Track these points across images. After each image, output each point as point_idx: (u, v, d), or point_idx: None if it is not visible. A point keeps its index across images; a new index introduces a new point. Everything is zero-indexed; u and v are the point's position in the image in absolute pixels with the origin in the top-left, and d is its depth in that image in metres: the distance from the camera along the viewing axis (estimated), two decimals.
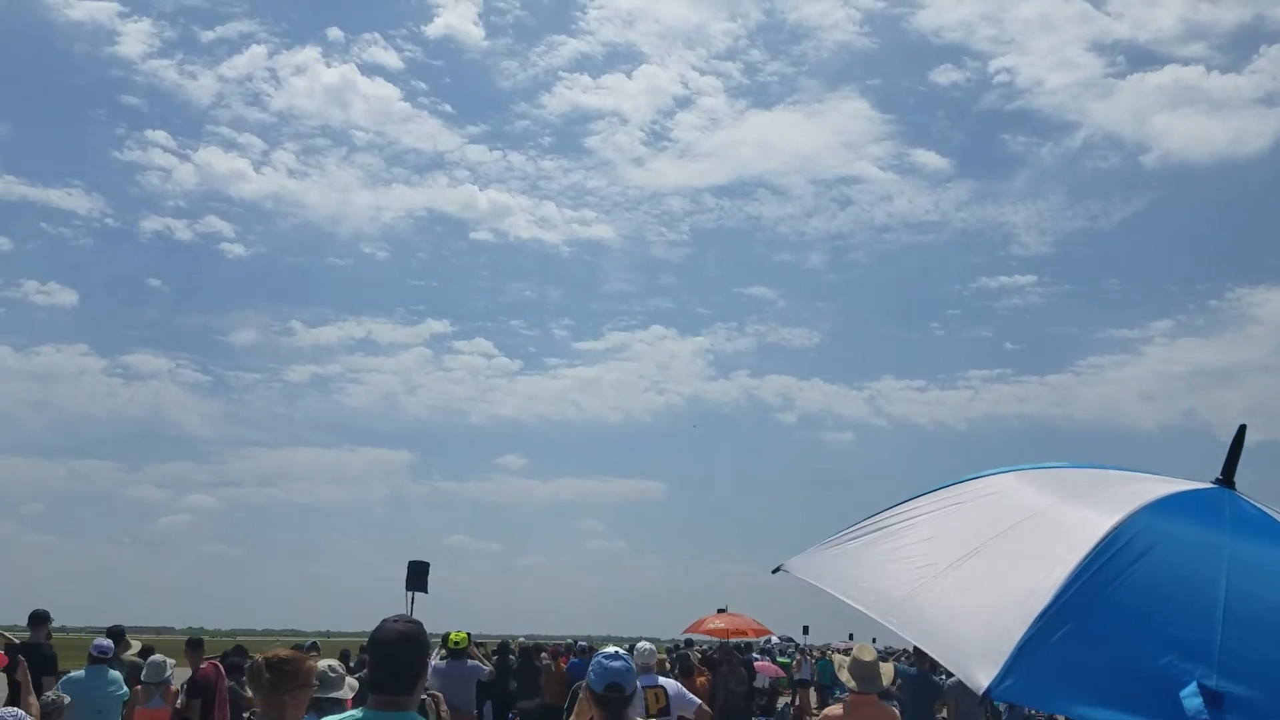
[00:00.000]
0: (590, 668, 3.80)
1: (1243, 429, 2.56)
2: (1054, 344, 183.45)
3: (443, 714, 3.21)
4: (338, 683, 5.22)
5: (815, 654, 33.19)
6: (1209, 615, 2.02)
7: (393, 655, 3.11)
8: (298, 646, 9.86)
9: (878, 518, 2.84)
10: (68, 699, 8.21)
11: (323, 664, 5.23)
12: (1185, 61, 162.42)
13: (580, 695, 4.12)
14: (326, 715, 4.76)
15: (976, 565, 2.32)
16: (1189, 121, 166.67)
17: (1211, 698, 1.86)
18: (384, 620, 3.22)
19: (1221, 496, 2.47)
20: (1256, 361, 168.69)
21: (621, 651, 3.87)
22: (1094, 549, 2.17)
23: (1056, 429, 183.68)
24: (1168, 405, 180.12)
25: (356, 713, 3.15)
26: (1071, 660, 2.00)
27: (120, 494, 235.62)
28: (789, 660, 31.06)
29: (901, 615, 2.32)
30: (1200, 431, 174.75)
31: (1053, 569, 2.16)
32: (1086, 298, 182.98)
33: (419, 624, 3.23)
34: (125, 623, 12.67)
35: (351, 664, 11.91)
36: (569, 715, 10.05)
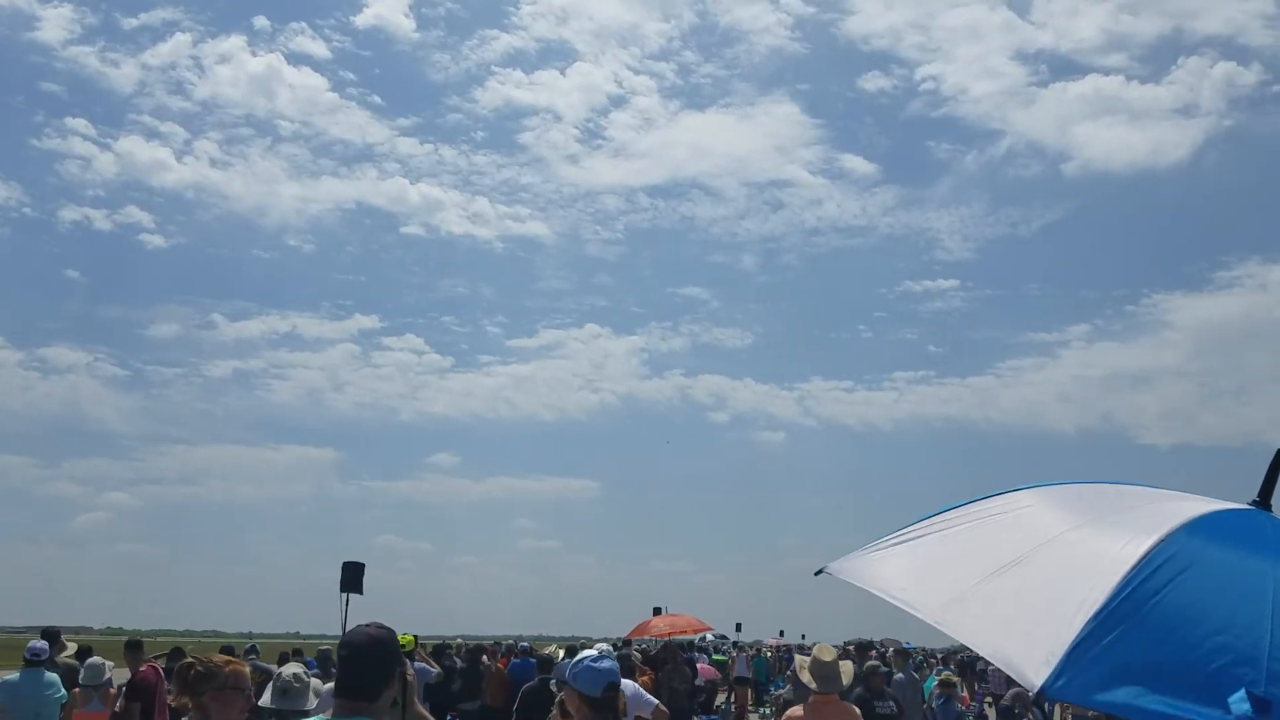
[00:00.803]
0: (576, 672, 3.82)
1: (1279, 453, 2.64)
2: (975, 347, 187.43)
3: (409, 679, 3.21)
4: (302, 693, 5.07)
5: (750, 651, 33.53)
6: (1256, 626, 2.10)
7: (364, 660, 3.11)
8: (226, 650, 9.69)
9: (913, 528, 2.90)
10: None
11: (287, 672, 5.12)
12: (1106, 71, 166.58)
13: (560, 698, 4.15)
14: None
15: (1022, 574, 2.40)
16: (1110, 131, 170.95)
17: (1260, 704, 1.94)
18: (357, 625, 3.25)
19: (1260, 517, 2.58)
20: (1171, 366, 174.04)
21: (606, 651, 3.92)
22: (1140, 561, 2.26)
23: (977, 430, 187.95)
24: (1084, 408, 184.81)
25: (319, 718, 3.14)
26: (1121, 662, 2.08)
27: (37, 490, 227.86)
28: (724, 657, 31.32)
29: (951, 618, 2.39)
30: (1116, 434, 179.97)
31: (1100, 579, 2.24)
32: (1007, 302, 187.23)
33: (391, 631, 3.24)
34: (42, 622, 12.27)
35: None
36: (522, 714, 10.01)
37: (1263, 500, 2.65)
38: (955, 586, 2.49)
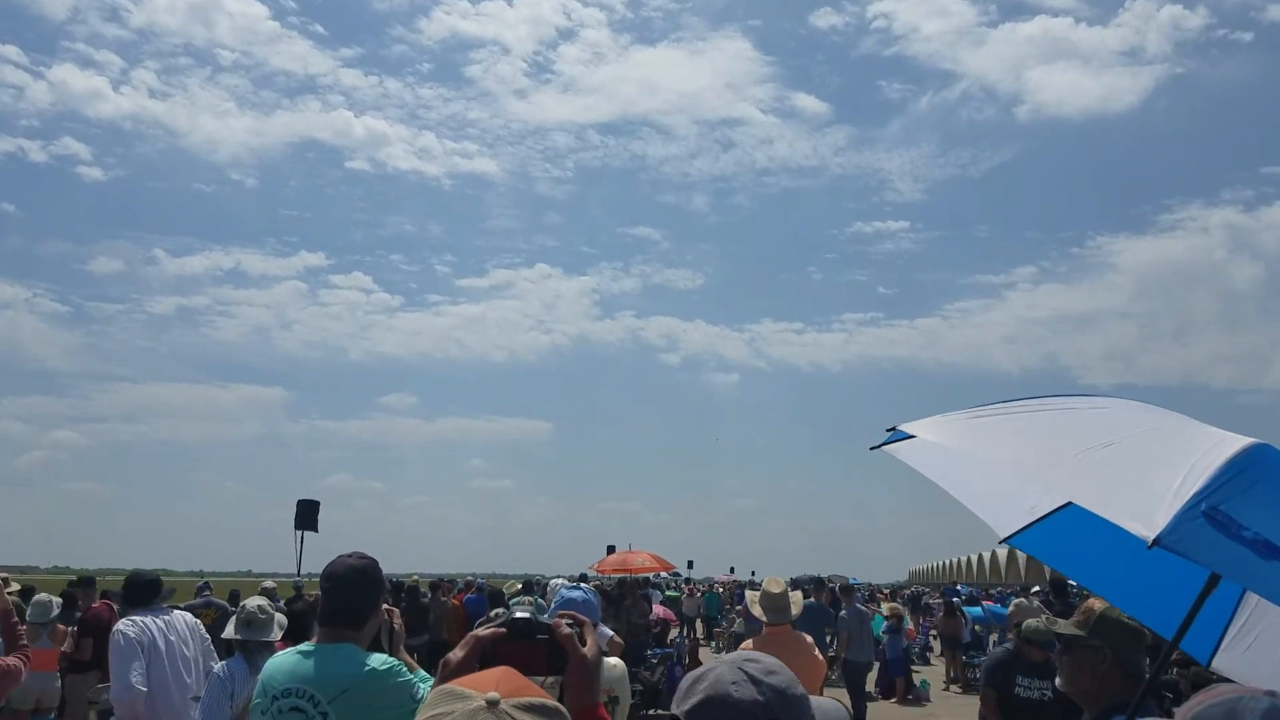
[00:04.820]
0: (553, 601, 3.86)
1: None
2: (924, 289, 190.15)
3: (396, 626, 3.20)
4: (267, 625, 5.13)
5: (704, 588, 34.08)
6: None
7: (346, 589, 3.12)
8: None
9: (980, 409, 2.80)
10: None
11: (251, 604, 5.14)
12: (1054, 13, 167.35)
13: None
14: (256, 658, 4.71)
15: (1119, 451, 2.37)
16: (1063, 76, 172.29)
17: None
18: (339, 555, 3.24)
19: None
20: (1114, 308, 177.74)
21: (582, 585, 3.94)
22: (1241, 451, 2.27)
23: (925, 371, 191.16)
24: (1029, 349, 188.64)
25: (304, 646, 3.12)
26: (1236, 527, 2.05)
27: None
28: (677, 594, 31.79)
29: (1051, 476, 2.37)
30: (1060, 374, 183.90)
31: (1204, 459, 2.23)
32: (955, 244, 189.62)
33: (374, 560, 3.24)
34: None
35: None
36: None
37: None
38: (1049, 455, 2.45)
